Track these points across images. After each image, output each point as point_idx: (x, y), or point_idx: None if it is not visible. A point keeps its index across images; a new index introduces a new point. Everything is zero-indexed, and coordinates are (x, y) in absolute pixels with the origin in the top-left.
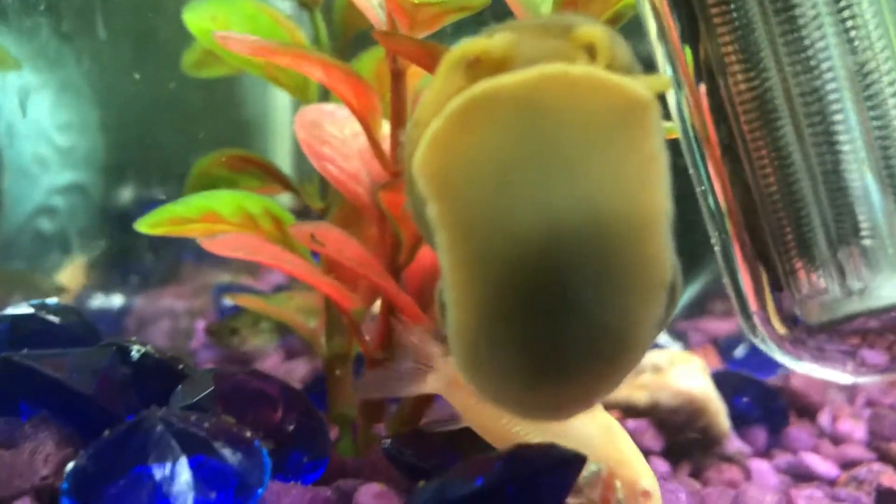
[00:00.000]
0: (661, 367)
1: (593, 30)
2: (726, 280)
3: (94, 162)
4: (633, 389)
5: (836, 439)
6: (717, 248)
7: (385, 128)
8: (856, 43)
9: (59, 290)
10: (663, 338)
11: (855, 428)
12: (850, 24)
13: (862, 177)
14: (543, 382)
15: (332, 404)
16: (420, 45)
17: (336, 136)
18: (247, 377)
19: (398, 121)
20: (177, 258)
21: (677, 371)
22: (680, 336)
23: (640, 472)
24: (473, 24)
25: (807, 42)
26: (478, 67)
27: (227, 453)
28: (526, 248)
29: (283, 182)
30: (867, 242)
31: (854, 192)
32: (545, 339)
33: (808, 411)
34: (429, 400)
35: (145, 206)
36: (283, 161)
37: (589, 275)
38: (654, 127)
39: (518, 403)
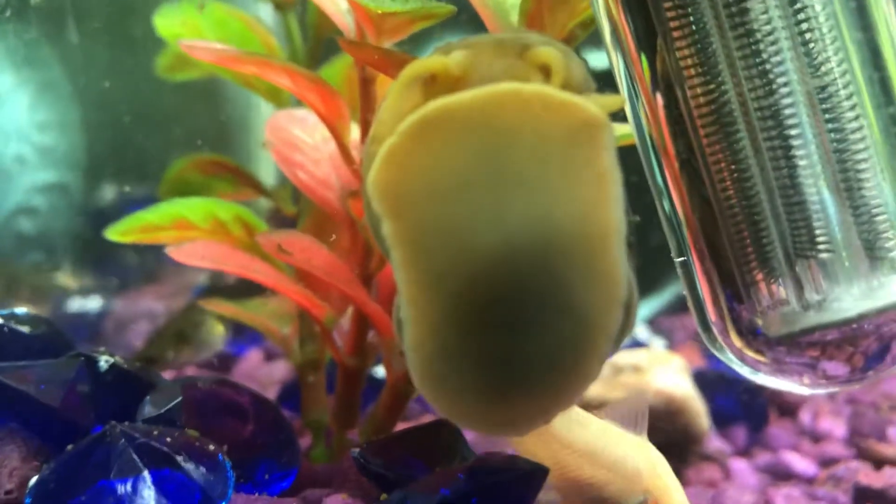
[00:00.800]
0: (642, 366)
1: (547, 49)
2: (686, 291)
3: (73, 161)
4: (612, 389)
5: (817, 437)
6: (675, 259)
7: (355, 133)
8: (812, 58)
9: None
10: (647, 335)
11: (835, 426)
12: (806, 38)
13: (819, 191)
14: (500, 398)
15: (306, 410)
16: (385, 54)
17: (306, 141)
18: (216, 387)
19: (367, 128)
20: (157, 257)
21: (657, 371)
22: (664, 333)
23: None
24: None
25: (763, 56)
26: (434, 85)
27: (191, 467)
28: (480, 265)
29: (255, 187)
30: (824, 255)
31: (811, 206)
32: (501, 355)
33: (788, 410)
34: (403, 403)
35: (124, 205)
36: (265, 162)
37: (544, 291)
38: (606, 145)
39: (476, 419)
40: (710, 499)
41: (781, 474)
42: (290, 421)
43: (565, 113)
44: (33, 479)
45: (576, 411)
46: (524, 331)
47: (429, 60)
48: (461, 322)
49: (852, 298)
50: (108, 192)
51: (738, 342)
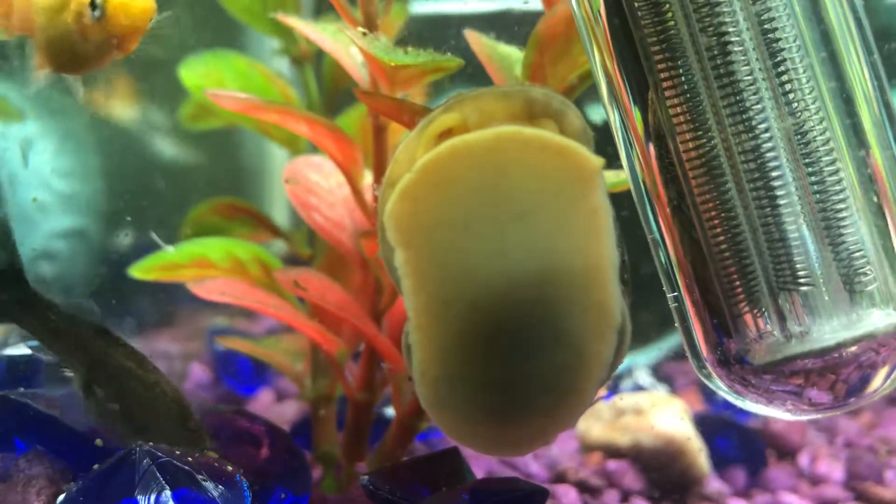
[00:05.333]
0: (643, 409)
1: (546, 97)
2: (679, 327)
3: (92, 207)
4: (615, 431)
5: (815, 480)
6: (669, 297)
7: (368, 178)
8: (791, 106)
9: None
10: (650, 381)
11: (833, 468)
12: (785, 88)
13: (799, 229)
14: (502, 419)
15: (317, 443)
16: (397, 104)
17: (322, 185)
18: (234, 416)
19: (380, 173)
20: (173, 302)
21: (658, 413)
22: (667, 379)
23: None
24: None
25: (746, 105)
26: (447, 134)
27: (210, 486)
28: (483, 294)
29: (272, 229)
30: (805, 289)
31: (792, 243)
32: (502, 380)
33: (787, 452)
34: (410, 436)
35: (143, 251)
36: (280, 208)
37: (542, 319)
38: (598, 185)
39: (479, 440)
40: None
41: None
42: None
43: (561, 155)
44: (61, 497)
45: None
46: (524, 357)
47: (447, 116)
48: (465, 348)
49: (832, 329)
50: (126, 238)
51: (726, 371)
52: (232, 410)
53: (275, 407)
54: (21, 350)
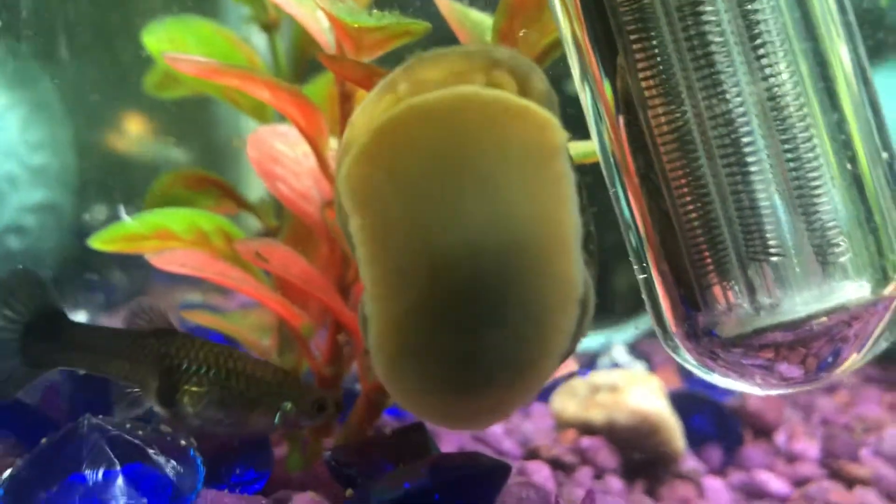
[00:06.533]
0: (619, 386)
1: (511, 58)
2: (646, 299)
3: (63, 181)
4: (589, 408)
5: (791, 458)
6: (636, 268)
7: (334, 146)
8: (764, 71)
9: None
10: (627, 358)
11: (809, 447)
12: (758, 52)
13: (770, 197)
14: (461, 392)
15: None
16: (362, 68)
17: (288, 155)
18: None
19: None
20: (146, 277)
21: (634, 391)
22: (644, 356)
23: None
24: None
25: (717, 68)
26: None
27: (162, 461)
28: (441, 263)
29: (238, 201)
30: (775, 259)
31: (763, 212)
32: (462, 351)
33: (763, 431)
34: (377, 411)
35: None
36: (253, 183)
37: (502, 290)
38: (560, 150)
39: (437, 413)
40: None
41: (755, 493)
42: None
43: (523, 118)
44: (7, 472)
45: None
46: (482, 328)
47: (407, 76)
48: (423, 319)
49: (803, 301)
50: (98, 212)
51: (694, 344)
52: None
53: None
54: None
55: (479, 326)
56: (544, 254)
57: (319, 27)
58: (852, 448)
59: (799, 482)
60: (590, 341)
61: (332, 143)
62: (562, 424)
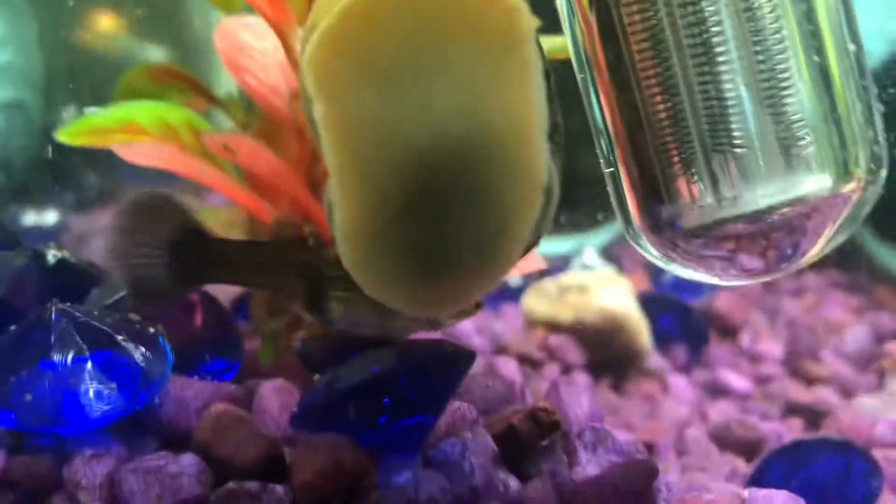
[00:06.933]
0: (588, 286)
1: None
2: (612, 193)
3: (30, 79)
4: (558, 308)
5: (754, 357)
6: (602, 161)
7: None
8: None
9: None
10: (598, 261)
11: (773, 347)
12: None
13: (737, 89)
14: (427, 279)
15: (255, 311)
16: None
17: (256, 47)
18: None
19: None
20: (116, 177)
21: (603, 291)
22: (615, 260)
23: None
24: None
25: None
26: None
27: (131, 347)
28: (408, 153)
29: (206, 95)
30: (739, 151)
31: (729, 104)
32: (427, 240)
33: (729, 332)
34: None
35: None
36: (225, 81)
37: (468, 179)
38: (528, 36)
39: (402, 299)
40: (647, 410)
41: (717, 390)
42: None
43: (492, 2)
44: None
45: None
46: (449, 217)
47: None
48: (388, 207)
49: (764, 193)
50: (66, 111)
51: (656, 236)
52: None
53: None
54: None
55: (443, 214)
56: (509, 143)
57: None
58: (814, 348)
59: (761, 380)
60: (561, 245)
61: (300, 34)
62: (531, 323)
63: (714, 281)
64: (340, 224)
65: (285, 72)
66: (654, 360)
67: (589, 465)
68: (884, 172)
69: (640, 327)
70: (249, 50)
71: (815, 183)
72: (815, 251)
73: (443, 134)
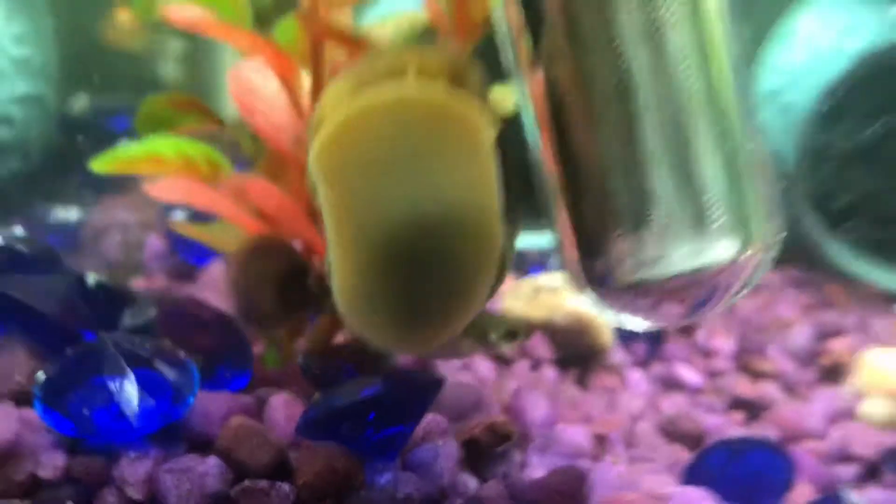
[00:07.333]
0: (558, 288)
1: (452, 57)
2: (558, 246)
3: (47, 73)
4: (532, 307)
5: (708, 353)
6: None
7: (307, 82)
8: (669, 61)
9: None
10: None
11: (725, 343)
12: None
13: (659, 167)
14: (405, 327)
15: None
16: (330, 27)
17: (264, 90)
18: (184, 303)
19: (318, 84)
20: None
21: (570, 293)
22: None
23: None
24: None
25: (614, 36)
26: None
27: (165, 369)
28: (393, 228)
29: (218, 123)
30: (660, 222)
31: (650, 182)
32: (406, 296)
33: (686, 329)
34: (340, 325)
35: (98, 116)
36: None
37: (440, 250)
38: (486, 142)
39: (386, 341)
40: (605, 402)
41: (671, 383)
42: (247, 330)
43: (460, 120)
44: (39, 375)
45: None
46: (423, 279)
47: (366, 72)
48: (376, 270)
49: (682, 257)
50: (79, 100)
51: (594, 287)
52: (184, 298)
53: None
54: None
55: (420, 278)
56: (471, 221)
57: None
58: (762, 345)
59: (712, 375)
60: (541, 240)
61: (305, 79)
62: (508, 322)
63: (642, 326)
64: (337, 281)
65: (290, 113)
66: (616, 354)
67: (536, 468)
68: (779, 238)
69: (604, 326)
70: (258, 92)
71: (724, 250)
72: (724, 302)
73: (418, 214)
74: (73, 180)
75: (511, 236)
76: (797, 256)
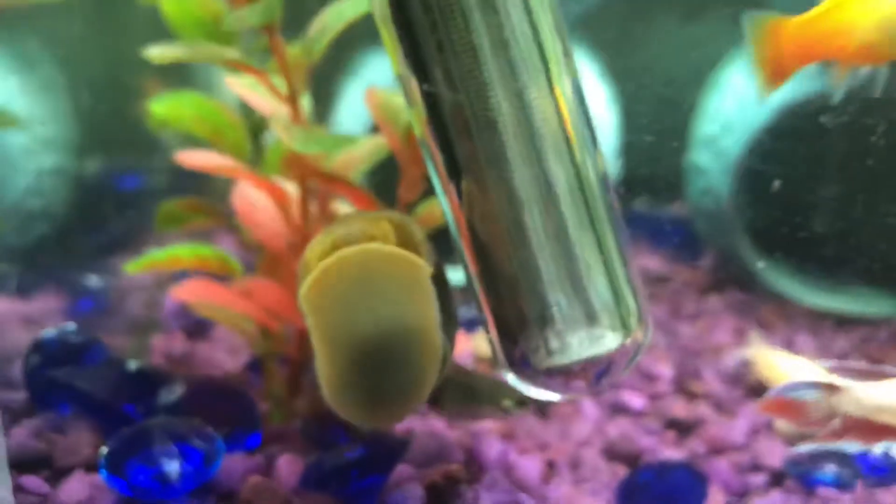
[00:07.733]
0: None
1: (401, 222)
2: (483, 332)
3: (69, 146)
4: None
5: (651, 378)
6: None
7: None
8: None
9: None
10: None
11: (666, 368)
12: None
13: (551, 278)
14: (373, 409)
15: (267, 384)
16: (321, 174)
17: (263, 205)
18: (204, 382)
19: (304, 204)
20: (145, 228)
21: None
22: None
23: None
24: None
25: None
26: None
27: (198, 441)
28: (362, 342)
29: (224, 221)
30: (561, 321)
31: (547, 290)
32: (374, 387)
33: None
34: None
35: (112, 176)
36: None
37: (397, 356)
38: (426, 278)
39: (360, 419)
40: (559, 429)
41: (619, 409)
42: (257, 386)
43: (406, 264)
44: (103, 448)
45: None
46: (386, 375)
47: (339, 231)
48: (350, 371)
49: (580, 346)
50: (98, 169)
51: (515, 369)
52: (206, 378)
53: (236, 336)
54: (50, 334)
55: (383, 374)
56: (417, 335)
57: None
58: (698, 369)
59: (653, 398)
60: None
61: (293, 190)
62: (479, 360)
63: (556, 398)
64: (321, 376)
65: (282, 225)
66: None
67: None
68: (648, 324)
69: None
70: (259, 206)
71: (611, 340)
72: (616, 377)
73: (379, 331)
74: (93, 242)
75: (449, 339)
76: (737, 281)
